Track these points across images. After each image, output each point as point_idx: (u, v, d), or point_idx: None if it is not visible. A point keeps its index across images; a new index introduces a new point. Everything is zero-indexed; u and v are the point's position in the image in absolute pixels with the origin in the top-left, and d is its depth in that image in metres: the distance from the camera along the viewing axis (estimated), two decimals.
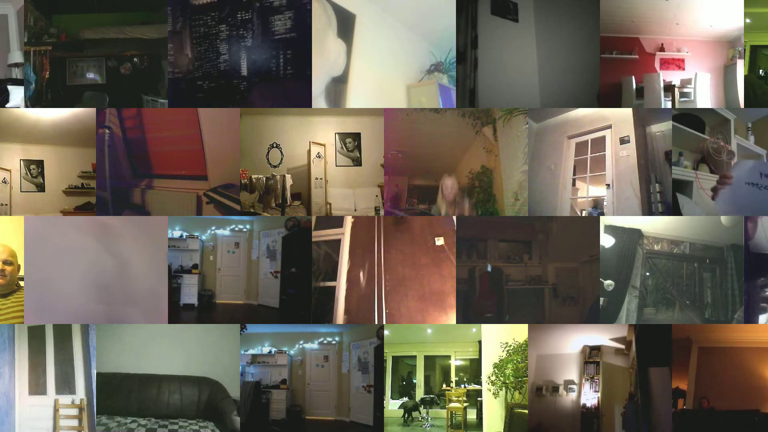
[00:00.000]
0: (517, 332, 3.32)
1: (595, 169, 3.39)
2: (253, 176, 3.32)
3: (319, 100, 3.27)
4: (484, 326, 3.36)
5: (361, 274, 3.18)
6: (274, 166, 3.47)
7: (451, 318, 3.10)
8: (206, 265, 3.68)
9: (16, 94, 3.35)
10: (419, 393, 3.54)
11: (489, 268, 3.29)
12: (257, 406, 3.38)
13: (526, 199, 3.29)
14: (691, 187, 3.31)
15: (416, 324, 3.19)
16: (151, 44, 3.38)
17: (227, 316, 3.53)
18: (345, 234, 3.23)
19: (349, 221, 3.24)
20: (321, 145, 3.54)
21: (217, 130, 3.22)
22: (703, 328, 3.16)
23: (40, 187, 3.46)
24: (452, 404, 3.54)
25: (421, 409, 3.63)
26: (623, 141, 3.29)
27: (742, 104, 3.38)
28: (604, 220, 3.19)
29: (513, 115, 3.36)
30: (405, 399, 3.62)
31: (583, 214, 3.30)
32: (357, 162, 3.58)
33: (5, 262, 3.21)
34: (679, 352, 3.17)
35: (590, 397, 3.14)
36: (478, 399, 3.47)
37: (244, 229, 3.64)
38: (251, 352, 3.47)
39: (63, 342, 3.30)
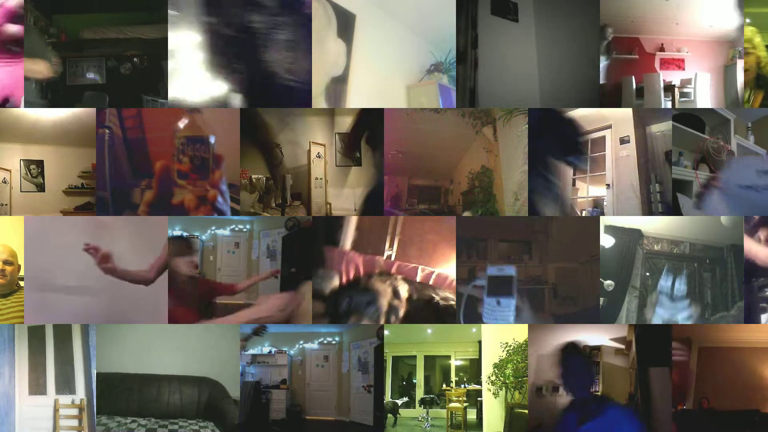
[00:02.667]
0: (517, 332, 3.32)
1: (595, 169, 3.39)
2: (253, 176, 3.32)
3: (319, 100, 3.27)
4: (484, 326, 3.36)
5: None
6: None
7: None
8: (206, 265, 3.68)
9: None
10: (419, 393, 3.54)
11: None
12: (257, 406, 3.38)
13: (526, 199, 3.29)
14: (691, 187, 3.31)
15: (416, 324, 3.19)
16: (151, 44, 3.38)
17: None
18: None
19: None
20: (321, 145, 3.53)
21: (217, 130, 3.20)
22: (703, 328, 3.16)
23: (40, 187, 3.46)
24: (452, 404, 3.54)
25: (420, 408, 3.63)
26: (623, 141, 3.29)
27: (742, 104, 3.38)
28: (604, 220, 3.19)
29: (513, 115, 3.37)
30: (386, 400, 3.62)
31: (583, 214, 3.30)
32: (357, 162, 3.57)
33: (5, 262, 3.21)
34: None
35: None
36: (478, 399, 3.47)
37: (244, 229, 3.64)
38: (251, 352, 3.47)
39: (63, 342, 3.30)
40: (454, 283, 3.18)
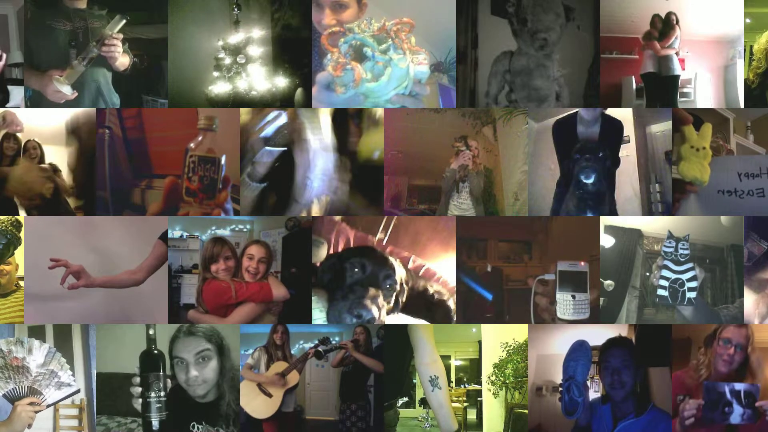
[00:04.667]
0: (517, 332, 3.32)
1: None
2: None
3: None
4: (484, 326, 3.36)
5: None
6: None
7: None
8: None
9: (16, 94, 3.35)
10: (419, 393, 3.53)
11: (489, 269, 3.29)
12: None
13: (526, 199, 3.29)
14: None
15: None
16: (151, 44, 3.38)
17: None
18: None
19: None
20: None
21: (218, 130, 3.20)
22: (703, 328, 3.15)
23: None
24: (452, 404, 3.53)
25: (420, 408, 3.62)
26: (623, 141, 3.29)
27: (742, 104, 3.39)
28: (604, 220, 3.19)
29: (513, 115, 3.37)
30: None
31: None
32: None
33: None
34: (679, 352, 3.17)
35: (590, 396, 3.13)
36: (478, 399, 3.47)
37: (244, 229, 3.64)
38: (251, 352, 3.46)
39: (63, 342, 3.30)
40: (443, 279, 3.19)
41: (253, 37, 3.31)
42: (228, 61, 3.28)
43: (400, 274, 3.05)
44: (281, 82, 3.30)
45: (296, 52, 3.31)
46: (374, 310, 2.90)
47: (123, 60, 3.31)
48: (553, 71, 3.30)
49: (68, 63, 3.23)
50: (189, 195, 2.82)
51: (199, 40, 3.35)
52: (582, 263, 3.01)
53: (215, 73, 3.30)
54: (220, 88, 3.29)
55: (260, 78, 3.29)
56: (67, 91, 3.20)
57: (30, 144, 3.30)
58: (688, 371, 2.98)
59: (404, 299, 3.06)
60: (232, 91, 3.28)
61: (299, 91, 3.30)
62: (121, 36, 3.22)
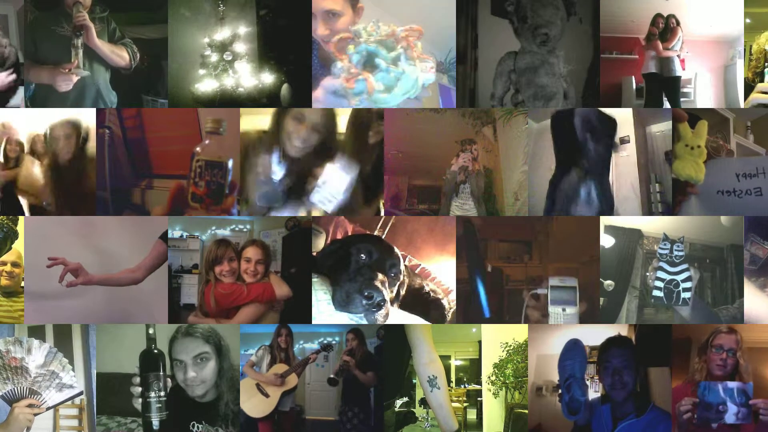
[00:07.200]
0: (517, 332, 3.32)
1: None
2: None
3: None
4: (484, 326, 3.36)
5: None
6: None
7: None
8: None
9: (16, 94, 3.35)
10: (419, 393, 3.53)
11: (489, 269, 3.29)
12: None
13: (526, 199, 3.29)
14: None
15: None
16: (151, 44, 3.38)
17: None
18: None
19: None
20: None
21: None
22: (703, 328, 3.15)
23: None
24: (452, 404, 3.53)
25: (421, 408, 3.62)
26: (623, 141, 3.29)
27: (742, 104, 3.39)
28: (604, 220, 3.20)
29: (513, 115, 3.37)
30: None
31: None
32: None
33: (13, 264, 3.23)
34: (679, 352, 3.17)
35: (590, 396, 3.13)
36: (478, 399, 3.47)
37: (245, 229, 3.64)
38: (251, 352, 3.46)
39: (63, 342, 3.30)
40: (438, 279, 3.22)
41: (239, 33, 3.30)
42: (214, 58, 3.27)
43: (402, 265, 3.06)
44: (268, 78, 3.29)
45: (282, 48, 3.32)
46: (385, 292, 2.82)
47: (123, 54, 3.32)
48: (559, 67, 3.30)
49: (72, 52, 3.28)
50: (195, 200, 2.79)
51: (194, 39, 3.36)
52: (571, 278, 3.07)
53: (201, 71, 3.30)
54: (206, 85, 3.28)
55: (247, 74, 3.28)
56: (85, 73, 3.30)
57: (38, 145, 3.30)
58: (687, 385, 2.98)
59: (404, 292, 3.06)
60: (219, 88, 3.27)
61: (285, 86, 3.29)
62: (84, 11, 3.26)
